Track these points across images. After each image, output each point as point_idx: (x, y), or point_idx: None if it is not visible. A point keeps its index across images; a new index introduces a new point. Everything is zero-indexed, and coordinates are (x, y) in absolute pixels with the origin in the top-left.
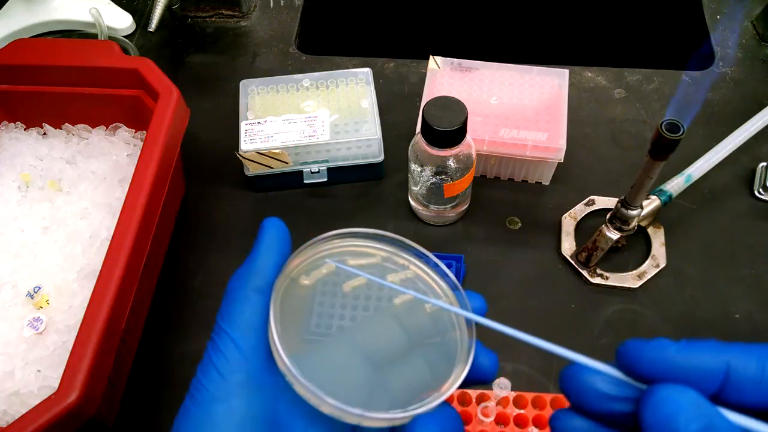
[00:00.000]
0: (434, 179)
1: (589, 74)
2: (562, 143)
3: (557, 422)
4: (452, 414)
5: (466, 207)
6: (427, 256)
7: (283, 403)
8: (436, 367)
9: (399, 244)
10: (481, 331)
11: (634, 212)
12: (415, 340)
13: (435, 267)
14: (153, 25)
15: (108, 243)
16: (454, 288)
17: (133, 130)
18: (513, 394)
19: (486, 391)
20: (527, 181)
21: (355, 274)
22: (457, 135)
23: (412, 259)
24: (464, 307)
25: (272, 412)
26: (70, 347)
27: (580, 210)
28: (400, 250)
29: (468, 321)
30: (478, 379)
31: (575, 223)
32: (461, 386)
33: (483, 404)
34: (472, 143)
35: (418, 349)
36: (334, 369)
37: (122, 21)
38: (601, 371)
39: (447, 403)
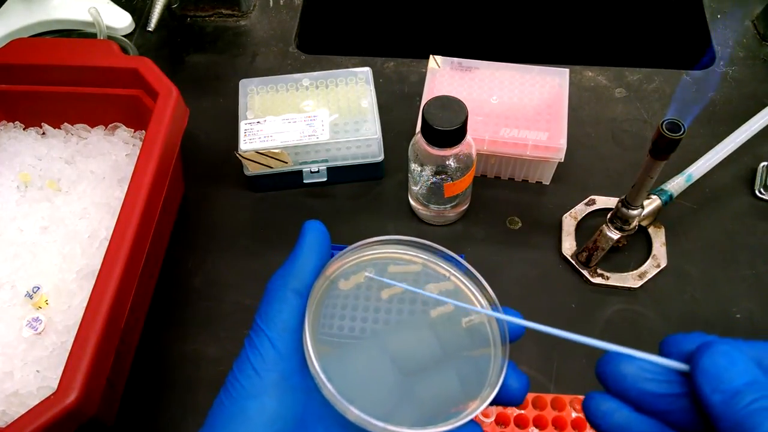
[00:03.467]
0: (434, 179)
1: (590, 74)
2: (563, 143)
3: (592, 402)
4: None
5: (466, 207)
6: (467, 268)
7: (312, 404)
8: (467, 382)
9: (441, 254)
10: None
11: (635, 212)
12: (449, 352)
13: (476, 280)
14: (152, 24)
15: (107, 243)
16: (492, 303)
17: (132, 130)
18: None
19: None
20: (528, 180)
21: (392, 285)
22: (457, 134)
23: (452, 269)
24: (501, 324)
25: (302, 412)
26: (69, 347)
27: (580, 210)
28: (441, 259)
29: (503, 340)
30: (506, 401)
31: (576, 222)
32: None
33: None
34: (473, 143)
35: (450, 362)
36: (365, 374)
37: (121, 20)
38: (637, 357)
39: (474, 421)
